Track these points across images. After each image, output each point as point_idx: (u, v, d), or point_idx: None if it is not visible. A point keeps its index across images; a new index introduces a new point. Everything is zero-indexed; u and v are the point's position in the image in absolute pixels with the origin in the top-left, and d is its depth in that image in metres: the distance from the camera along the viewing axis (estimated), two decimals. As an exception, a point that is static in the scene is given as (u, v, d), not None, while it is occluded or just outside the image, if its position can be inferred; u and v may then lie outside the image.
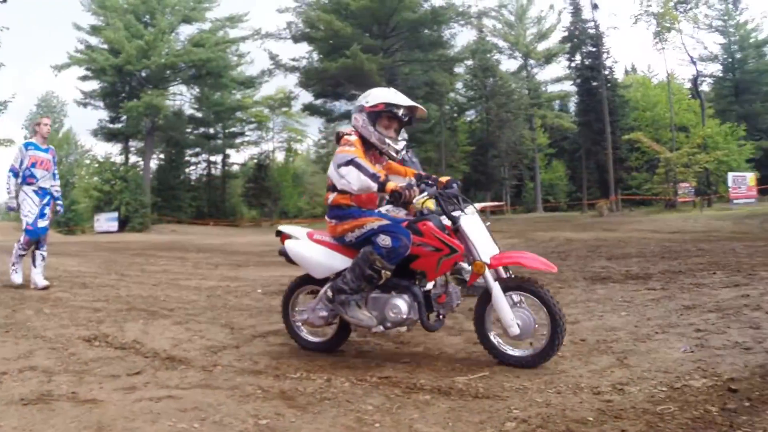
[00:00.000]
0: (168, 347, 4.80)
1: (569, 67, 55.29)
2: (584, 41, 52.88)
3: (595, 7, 51.09)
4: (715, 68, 59.82)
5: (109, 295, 7.82)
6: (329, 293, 4.31)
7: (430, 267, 4.17)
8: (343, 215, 4.31)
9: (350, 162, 4.06)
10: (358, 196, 4.31)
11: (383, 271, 4.04)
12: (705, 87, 58.36)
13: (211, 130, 60.83)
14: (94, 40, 48.87)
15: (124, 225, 43.84)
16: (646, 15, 45.54)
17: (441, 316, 4.29)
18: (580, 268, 9.38)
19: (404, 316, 4.14)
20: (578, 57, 53.99)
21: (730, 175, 37.13)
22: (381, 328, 4.24)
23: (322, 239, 4.52)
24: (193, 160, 63.55)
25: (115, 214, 44.41)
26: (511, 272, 4.33)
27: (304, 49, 59.76)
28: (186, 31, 52.20)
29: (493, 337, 4.12)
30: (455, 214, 4.20)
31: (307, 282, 4.73)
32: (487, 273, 4.03)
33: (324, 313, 4.43)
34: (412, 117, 4.54)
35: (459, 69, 51.73)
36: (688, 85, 56.29)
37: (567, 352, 4.26)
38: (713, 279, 7.63)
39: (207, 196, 62.32)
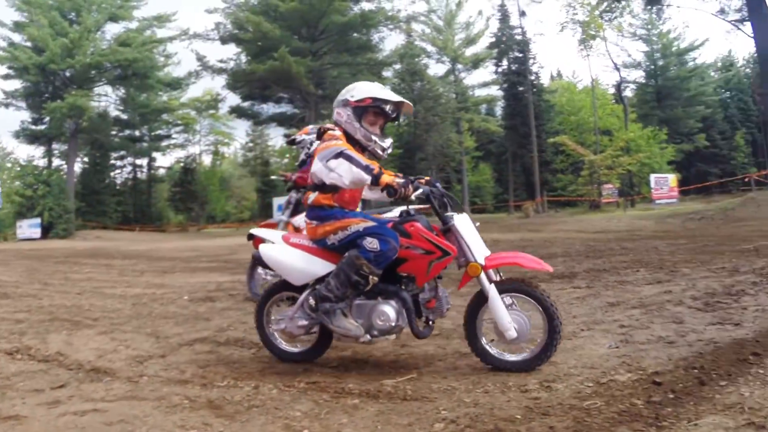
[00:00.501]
0: (92, 358, 4.66)
1: (496, 72, 56.20)
2: (511, 47, 53.85)
3: (522, 14, 52.12)
4: (638, 75, 61.86)
5: (31, 305, 7.58)
6: (311, 302, 4.04)
7: (419, 271, 3.96)
8: (325, 216, 4.06)
9: (340, 154, 3.85)
10: (341, 196, 4.09)
11: (371, 277, 3.82)
12: (628, 92, 60.27)
13: (137, 133, 59.24)
14: (17, 38, 46.83)
15: (47, 231, 42.15)
16: (572, 23, 46.73)
17: (430, 322, 4.10)
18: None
19: (392, 324, 3.93)
20: (505, 62, 54.95)
21: (653, 177, 38.40)
22: (368, 337, 3.98)
23: (299, 243, 4.24)
24: (119, 163, 61.82)
25: (38, 221, 42.59)
26: (501, 274, 4.15)
27: (232, 50, 58.72)
28: (112, 29, 50.53)
29: (485, 343, 3.97)
30: (447, 214, 4.04)
31: (283, 288, 4.45)
32: (483, 275, 3.89)
33: (304, 322, 4.14)
34: (398, 113, 4.31)
35: (387, 73, 51.77)
36: (612, 90, 58.04)
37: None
38: (637, 276, 7.87)
39: (133, 201, 60.77)
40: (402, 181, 3.75)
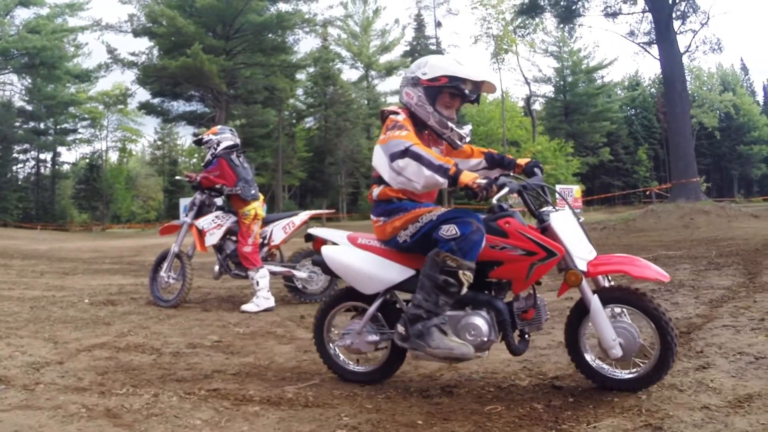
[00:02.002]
0: (-14, 365, 4.40)
1: (409, 81, 56.70)
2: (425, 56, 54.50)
3: (438, 24, 53.14)
4: (548, 89, 63.79)
5: None
6: (401, 330, 3.35)
7: (518, 275, 3.30)
8: (393, 210, 3.47)
9: (406, 152, 3.23)
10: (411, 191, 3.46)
11: (460, 273, 3.13)
12: (537, 106, 62.15)
13: (42, 126, 57.05)
14: None
15: (-60, 227, 40.13)
16: (486, 36, 47.99)
17: (526, 336, 3.48)
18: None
19: (485, 338, 3.29)
20: (418, 71, 55.51)
21: (558, 187, 39.47)
22: (475, 353, 3.30)
23: (369, 244, 3.63)
24: (21, 157, 59.49)
25: (-65, 217, 40.52)
26: (610, 279, 3.58)
27: (144, 44, 57.37)
28: (22, 14, 48.75)
29: (592, 359, 3.42)
30: (544, 210, 3.43)
31: (347, 297, 3.81)
32: (584, 284, 3.28)
33: (374, 337, 3.59)
34: (478, 94, 3.64)
35: (300, 75, 51.60)
36: (522, 103, 59.73)
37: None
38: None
39: (35, 198, 58.43)
40: (484, 181, 3.10)
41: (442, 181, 3.15)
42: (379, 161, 3.44)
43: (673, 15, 29.26)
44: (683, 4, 30.14)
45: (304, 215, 7.54)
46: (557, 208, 3.46)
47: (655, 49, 31.03)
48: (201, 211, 7.26)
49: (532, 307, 3.43)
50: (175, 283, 7.18)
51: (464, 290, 3.20)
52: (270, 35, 44.83)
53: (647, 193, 43.24)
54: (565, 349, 3.51)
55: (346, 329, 3.68)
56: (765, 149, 66.44)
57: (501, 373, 3.85)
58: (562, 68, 61.34)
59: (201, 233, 7.12)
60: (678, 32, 30.91)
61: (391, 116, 3.51)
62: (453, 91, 3.50)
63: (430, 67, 3.53)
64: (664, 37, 28.22)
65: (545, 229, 3.34)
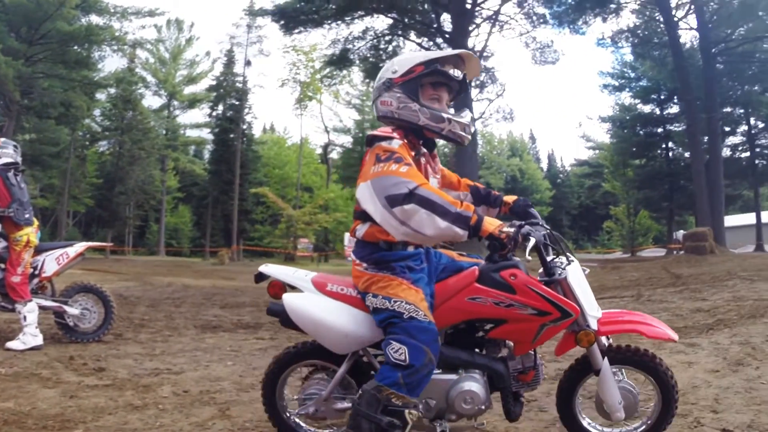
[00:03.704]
0: None
1: (210, 116, 55.96)
2: (230, 93, 54.10)
3: (248, 63, 52.66)
4: (347, 140, 65.15)
5: None
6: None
7: (524, 337, 2.86)
8: (381, 261, 2.84)
9: (411, 196, 2.59)
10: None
11: (407, 413, 2.64)
12: (334, 155, 63.32)
13: None
14: None
15: None
16: (293, 81, 48.46)
17: (521, 398, 3.05)
18: (192, 316, 9.29)
19: (483, 406, 2.83)
20: (221, 107, 54.99)
21: (347, 235, 40.40)
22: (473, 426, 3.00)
23: (342, 292, 3.00)
24: None
25: None
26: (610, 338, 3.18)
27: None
28: None
29: (588, 423, 3.18)
30: (558, 262, 2.96)
31: (307, 355, 3.18)
32: (595, 346, 2.95)
33: (344, 405, 3.01)
34: (465, 78, 3.03)
35: (100, 95, 48.88)
36: (320, 150, 60.75)
37: (168, 405, 4.14)
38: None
39: None
40: (511, 230, 2.59)
41: (462, 233, 2.58)
42: (368, 200, 2.76)
43: (472, 84, 31.36)
44: (482, 74, 32.35)
45: (80, 246, 6.96)
46: (570, 259, 2.98)
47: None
48: None
49: (532, 368, 2.98)
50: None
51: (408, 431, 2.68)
52: (75, 47, 42.04)
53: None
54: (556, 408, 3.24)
55: (306, 393, 3.11)
56: (545, 210, 72.16)
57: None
58: (363, 121, 63.18)
59: None
60: (475, 99, 33.29)
61: (383, 144, 2.81)
62: (435, 79, 2.94)
63: (399, 63, 2.98)
64: (461, 103, 30.14)
65: (553, 283, 2.86)
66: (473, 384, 2.82)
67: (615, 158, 51.53)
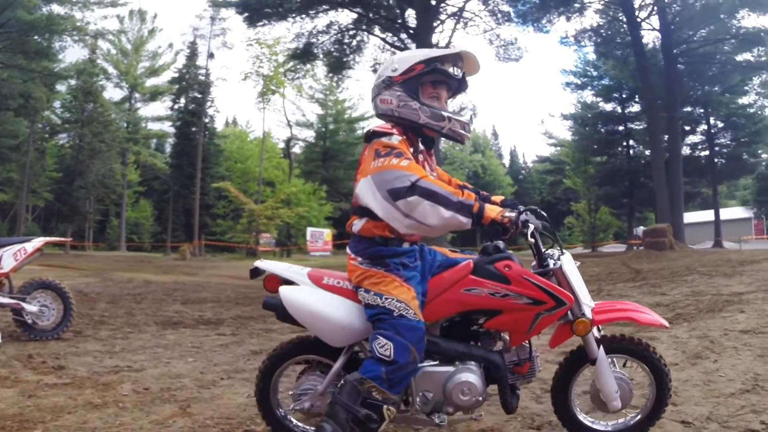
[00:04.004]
0: None
1: (172, 109, 55.26)
2: (192, 86, 53.41)
3: (211, 56, 52.09)
4: (309, 134, 64.93)
5: None
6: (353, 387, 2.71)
7: (520, 327, 2.89)
8: (377, 256, 2.88)
9: (413, 188, 2.63)
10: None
11: (385, 409, 2.66)
12: (297, 149, 63.06)
13: None
14: None
15: None
16: (255, 75, 48.06)
17: (517, 390, 3.04)
18: (153, 312, 9.19)
19: (480, 397, 2.84)
20: (183, 100, 54.31)
21: (309, 230, 40.45)
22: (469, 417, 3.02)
23: (338, 285, 3.02)
24: None
25: None
26: (601, 328, 3.19)
27: None
28: None
29: (583, 416, 3.20)
30: (548, 253, 3.03)
31: (301, 350, 3.19)
32: (591, 335, 2.99)
33: None
34: (464, 77, 3.06)
35: (61, 87, 47.95)
36: (282, 145, 60.48)
37: (129, 403, 4.08)
38: (282, 324, 8.02)
39: None
40: (513, 214, 2.67)
41: (465, 221, 2.62)
42: (368, 194, 2.78)
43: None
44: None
45: (39, 241, 6.77)
46: (563, 251, 3.06)
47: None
48: None
49: (527, 360, 3.00)
50: None
51: (383, 427, 2.70)
52: (36, 37, 41.12)
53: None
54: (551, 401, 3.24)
55: (301, 389, 3.09)
56: (508, 205, 72.90)
57: (236, 419, 3.77)
58: (326, 115, 63.08)
59: None
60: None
61: (382, 139, 2.84)
62: (435, 78, 2.96)
63: (399, 61, 3.00)
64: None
65: (547, 273, 2.94)
66: (470, 375, 2.84)
67: (576, 155, 51.99)
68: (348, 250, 3.03)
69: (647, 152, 43.61)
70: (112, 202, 54.00)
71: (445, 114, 2.91)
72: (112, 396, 4.25)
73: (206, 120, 53.89)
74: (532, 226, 2.73)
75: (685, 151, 43.03)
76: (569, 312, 2.92)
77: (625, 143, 49.99)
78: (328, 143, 63.03)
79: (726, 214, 57.78)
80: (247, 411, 3.92)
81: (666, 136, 35.48)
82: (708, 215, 50.39)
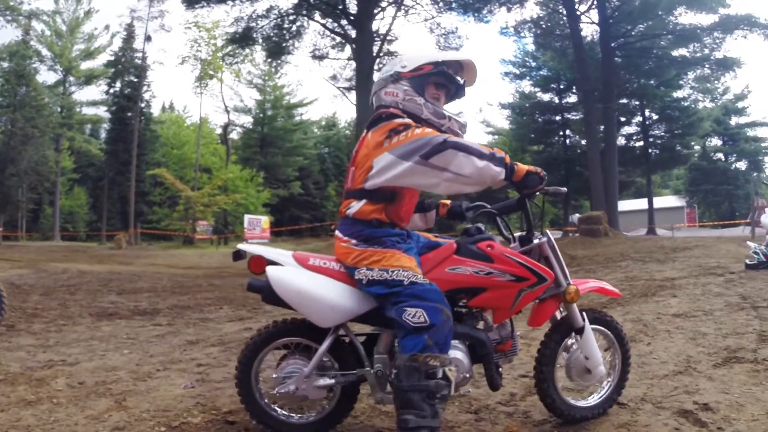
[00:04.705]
0: None
1: (107, 93, 53.79)
2: (128, 69, 52.13)
3: (148, 38, 50.76)
4: (247, 120, 64.18)
5: None
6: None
7: (503, 304, 2.99)
8: (372, 237, 2.92)
9: (445, 144, 2.68)
10: (396, 209, 3.00)
11: (447, 370, 2.65)
12: (234, 135, 62.33)
13: None
14: None
15: None
16: (193, 59, 47.20)
17: (499, 368, 3.13)
18: (88, 304, 8.99)
19: (467, 374, 2.95)
20: (119, 84, 52.94)
21: (246, 217, 39.93)
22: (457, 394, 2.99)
23: (324, 266, 3.02)
24: None
25: None
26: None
27: None
28: None
29: (561, 390, 3.32)
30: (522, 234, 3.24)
31: (283, 333, 3.13)
32: (575, 305, 3.23)
33: (326, 381, 3.00)
34: (464, 85, 3.22)
35: (-8, 70, 46.16)
36: (219, 131, 59.59)
37: (63, 398, 3.97)
38: (219, 313, 8.02)
39: None
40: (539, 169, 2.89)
41: (498, 170, 2.75)
42: (392, 168, 2.80)
43: (375, 66, 31.51)
44: (386, 57, 32.49)
45: None
46: (543, 231, 3.28)
47: (353, 95, 33.09)
48: None
49: (509, 337, 3.15)
50: None
51: (453, 389, 2.70)
52: (-35, 18, 39.54)
53: (333, 227, 45.85)
54: (534, 380, 3.34)
55: (285, 372, 3.04)
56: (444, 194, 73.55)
57: (173, 411, 3.72)
58: (264, 101, 62.41)
59: None
60: (376, 83, 33.37)
61: (394, 120, 2.89)
62: (439, 80, 3.11)
63: (408, 59, 3.11)
64: (363, 85, 30.23)
65: (527, 252, 3.15)
66: (457, 353, 2.90)
67: (514, 144, 52.69)
68: (338, 233, 3.04)
69: (583, 142, 44.44)
70: (46, 190, 52.33)
71: (447, 113, 3.04)
72: (46, 392, 4.14)
73: (142, 105, 52.76)
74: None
75: (621, 141, 44.18)
76: (549, 288, 3.11)
77: (561, 133, 50.98)
78: (266, 129, 62.44)
79: (659, 202, 59.49)
80: (183, 402, 3.87)
81: (602, 127, 36.26)
82: (642, 203, 51.84)
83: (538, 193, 3.06)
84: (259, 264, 3.05)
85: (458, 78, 3.14)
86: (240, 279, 13.85)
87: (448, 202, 3.61)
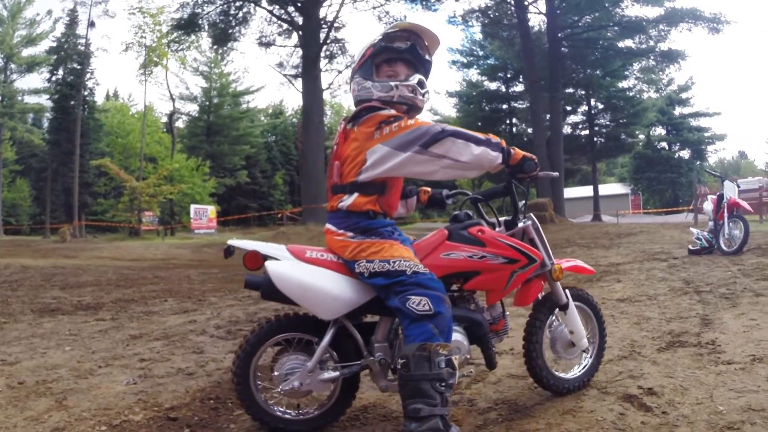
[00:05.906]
0: None
1: (50, 81, 52.34)
2: (71, 56, 50.86)
3: (91, 24, 49.59)
4: (193, 108, 63.55)
5: None
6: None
7: (497, 285, 3.10)
8: (368, 229, 2.91)
9: (443, 132, 2.71)
10: (386, 200, 2.99)
11: (454, 359, 2.74)
12: (180, 123, 61.59)
13: None
14: None
15: None
16: (138, 45, 46.28)
17: (493, 347, 3.20)
18: (30, 300, 8.76)
19: (467, 355, 3.04)
20: (61, 71, 51.60)
21: (193, 207, 39.51)
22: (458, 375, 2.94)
23: (321, 258, 2.96)
24: None
25: None
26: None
27: None
28: None
29: (550, 365, 3.54)
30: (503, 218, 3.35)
31: (283, 328, 3.03)
32: (559, 283, 3.41)
33: (331, 374, 2.96)
34: (425, 49, 3.12)
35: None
36: (165, 119, 58.72)
37: (2, 399, 3.87)
38: (164, 306, 7.91)
39: None
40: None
41: (495, 154, 2.78)
42: (388, 159, 2.80)
43: (322, 54, 31.36)
44: (333, 45, 32.37)
45: None
46: (528, 214, 3.41)
47: (299, 83, 32.94)
48: None
49: (501, 317, 3.26)
50: None
51: (457, 377, 2.77)
52: None
53: (280, 216, 45.70)
54: (524, 358, 3.51)
55: (286, 368, 2.97)
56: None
57: (114, 409, 3.65)
58: (210, 89, 61.74)
59: None
60: (324, 70, 33.52)
61: (380, 112, 2.85)
62: (386, 56, 3.03)
63: (356, 53, 3.14)
64: (309, 72, 30.20)
65: (515, 235, 3.25)
66: (456, 335, 2.92)
67: (460, 132, 53.13)
68: (331, 227, 3.00)
69: (530, 130, 45.14)
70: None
71: (392, 83, 2.96)
72: (-16, 393, 4.05)
73: (85, 93, 51.56)
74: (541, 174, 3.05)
75: (566, 130, 44.94)
76: (538, 268, 3.27)
77: (508, 121, 51.61)
78: (212, 117, 61.86)
79: (604, 189, 60.67)
80: (125, 400, 3.82)
81: (548, 116, 36.85)
82: (587, 191, 52.81)
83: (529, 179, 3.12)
84: (255, 259, 2.96)
85: (399, 45, 3.01)
86: (186, 270, 13.71)
87: (429, 189, 3.71)
